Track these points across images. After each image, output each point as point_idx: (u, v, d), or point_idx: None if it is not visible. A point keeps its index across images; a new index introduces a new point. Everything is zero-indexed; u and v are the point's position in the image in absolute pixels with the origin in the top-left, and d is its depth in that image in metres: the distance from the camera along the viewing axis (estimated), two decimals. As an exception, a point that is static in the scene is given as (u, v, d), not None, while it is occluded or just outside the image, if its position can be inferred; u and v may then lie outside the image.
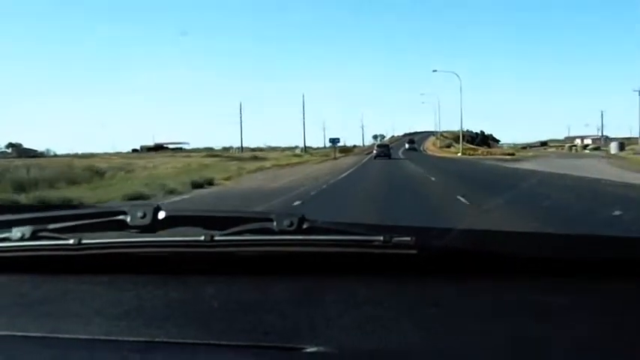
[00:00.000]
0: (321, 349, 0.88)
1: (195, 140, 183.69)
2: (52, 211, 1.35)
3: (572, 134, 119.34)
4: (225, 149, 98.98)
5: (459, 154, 61.15)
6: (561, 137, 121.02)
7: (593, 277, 1.08)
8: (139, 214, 1.18)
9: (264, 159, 51.92)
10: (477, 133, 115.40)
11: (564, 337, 0.91)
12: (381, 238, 1.10)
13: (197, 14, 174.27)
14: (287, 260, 1.16)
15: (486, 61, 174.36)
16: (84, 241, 1.18)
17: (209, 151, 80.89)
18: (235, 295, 1.11)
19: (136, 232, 1.18)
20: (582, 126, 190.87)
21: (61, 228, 1.20)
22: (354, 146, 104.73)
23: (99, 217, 1.24)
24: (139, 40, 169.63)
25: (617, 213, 8.60)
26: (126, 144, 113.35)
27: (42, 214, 1.28)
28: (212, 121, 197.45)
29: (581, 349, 0.88)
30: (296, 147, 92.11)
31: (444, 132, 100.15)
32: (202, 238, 1.15)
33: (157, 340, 0.92)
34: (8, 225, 1.22)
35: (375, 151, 53.96)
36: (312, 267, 1.14)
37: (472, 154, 61.49)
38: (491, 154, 61.07)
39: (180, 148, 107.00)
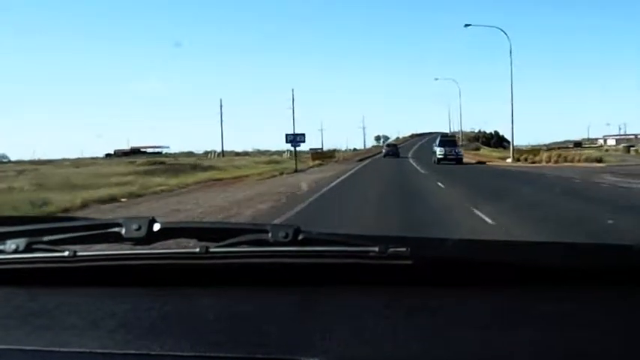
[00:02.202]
0: None
1: (181, 144, 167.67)
2: (46, 223, 1.36)
3: (591, 134, 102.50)
4: (206, 153, 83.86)
5: (509, 160, 42.45)
6: (575, 137, 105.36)
7: (592, 286, 1.10)
8: (134, 226, 1.19)
9: (212, 168, 35.67)
10: (491, 134, 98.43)
11: (562, 345, 0.93)
12: (377, 248, 1.12)
13: (190, 15, 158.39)
14: (283, 271, 1.17)
15: (495, 61, 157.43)
16: (79, 254, 1.19)
17: (164, 157, 65.17)
18: (231, 307, 1.13)
19: (131, 245, 1.20)
20: (603, 125, 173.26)
21: (56, 240, 1.22)
22: (354, 149, 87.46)
23: (94, 230, 1.25)
24: (129, 45, 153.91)
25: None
26: (107, 148, 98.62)
27: (37, 227, 1.29)
28: (199, 124, 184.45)
29: (580, 357, 0.91)
30: (286, 150, 73.81)
31: (455, 133, 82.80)
32: (197, 249, 1.16)
33: (152, 352, 0.95)
34: (2, 237, 1.24)
35: (384, 150, 60.89)
36: (307, 278, 1.16)
37: (534, 162, 39.42)
38: (568, 162, 37.91)
39: (160, 152, 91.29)
